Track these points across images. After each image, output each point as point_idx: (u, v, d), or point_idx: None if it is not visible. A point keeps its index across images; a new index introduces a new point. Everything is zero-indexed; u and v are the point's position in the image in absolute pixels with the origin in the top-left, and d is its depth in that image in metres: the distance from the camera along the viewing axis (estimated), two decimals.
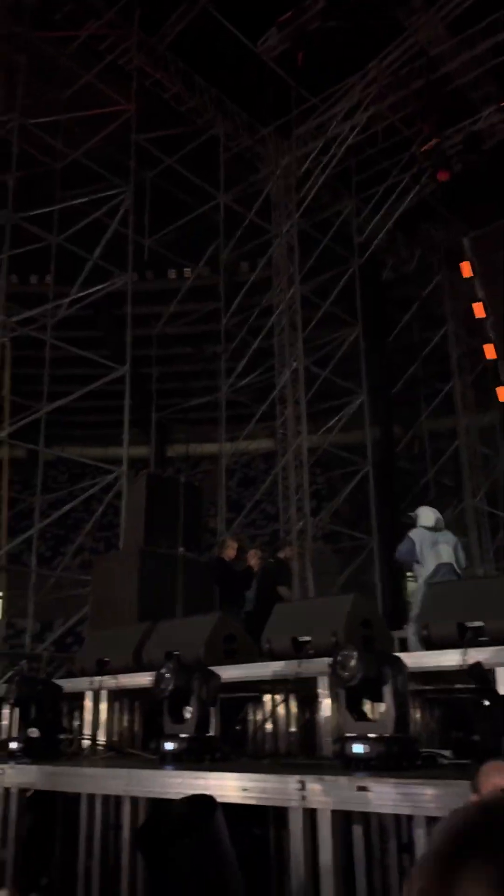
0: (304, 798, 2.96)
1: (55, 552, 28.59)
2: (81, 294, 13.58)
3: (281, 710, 4.60)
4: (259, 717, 5.02)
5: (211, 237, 16.84)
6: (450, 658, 3.68)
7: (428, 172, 14.90)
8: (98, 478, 14.44)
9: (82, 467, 34.15)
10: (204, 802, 2.25)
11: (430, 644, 3.86)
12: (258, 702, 5.30)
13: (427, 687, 4.73)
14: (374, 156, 16.32)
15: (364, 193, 17.26)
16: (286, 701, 4.55)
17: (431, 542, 8.03)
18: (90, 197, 12.96)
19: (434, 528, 8.21)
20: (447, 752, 3.47)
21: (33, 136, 12.53)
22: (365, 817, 3.07)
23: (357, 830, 3.09)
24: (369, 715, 3.37)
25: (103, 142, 14.45)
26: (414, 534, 8.18)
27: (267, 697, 4.97)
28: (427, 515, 8.32)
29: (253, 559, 8.79)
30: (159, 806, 2.63)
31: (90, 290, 13.49)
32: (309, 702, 4.45)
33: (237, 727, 5.61)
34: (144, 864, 2.09)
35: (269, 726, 4.57)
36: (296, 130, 16.33)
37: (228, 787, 3.26)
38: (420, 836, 2.75)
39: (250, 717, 5.36)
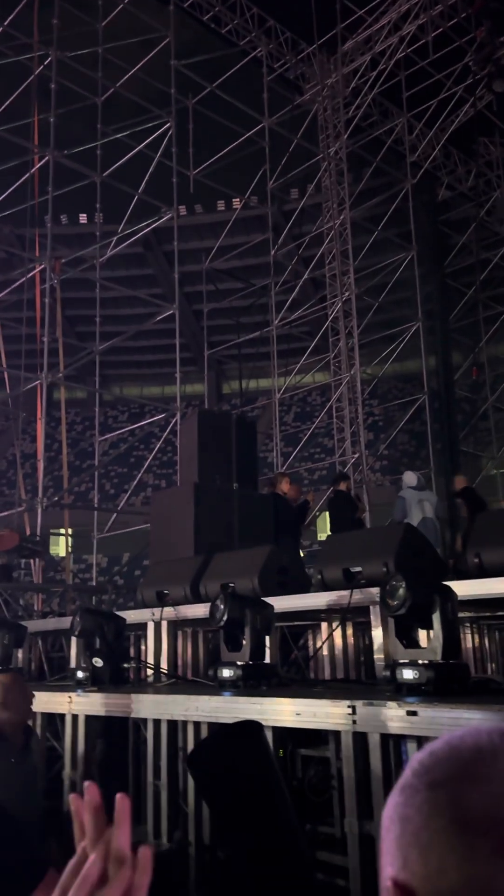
0: (354, 722, 3.03)
1: (118, 489, 29.31)
2: (128, 231, 13.45)
3: (337, 636, 4.68)
4: (317, 643, 5.12)
5: (257, 165, 16.42)
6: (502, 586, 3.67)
7: (483, 83, 14.10)
8: (156, 417, 14.57)
9: (141, 406, 34.68)
10: (250, 727, 2.32)
11: (482, 572, 3.84)
12: (316, 628, 5.41)
13: (483, 614, 4.75)
14: (426, 69, 15.54)
15: (416, 109, 16.49)
16: (342, 627, 4.62)
17: (418, 500, 9.50)
18: (132, 130, 12.70)
19: (418, 488, 9.71)
20: (500, 678, 3.48)
21: (71, 71, 12.27)
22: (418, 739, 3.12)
23: (412, 747, 3.15)
24: (421, 642, 3.40)
25: (143, 72, 14.10)
26: (404, 493, 9.66)
27: (324, 625, 5.06)
28: (411, 478, 9.85)
29: (304, 494, 9.14)
30: (211, 731, 2.74)
31: (136, 227, 13.34)
32: (363, 628, 4.52)
33: (298, 652, 5.76)
34: (196, 787, 2.19)
35: (325, 652, 4.65)
36: (342, 46, 15.61)
37: (282, 711, 3.36)
38: None
39: (310, 642, 5.48)
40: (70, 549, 14.62)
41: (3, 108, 12.30)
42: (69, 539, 12.88)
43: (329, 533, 9.51)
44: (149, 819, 4.41)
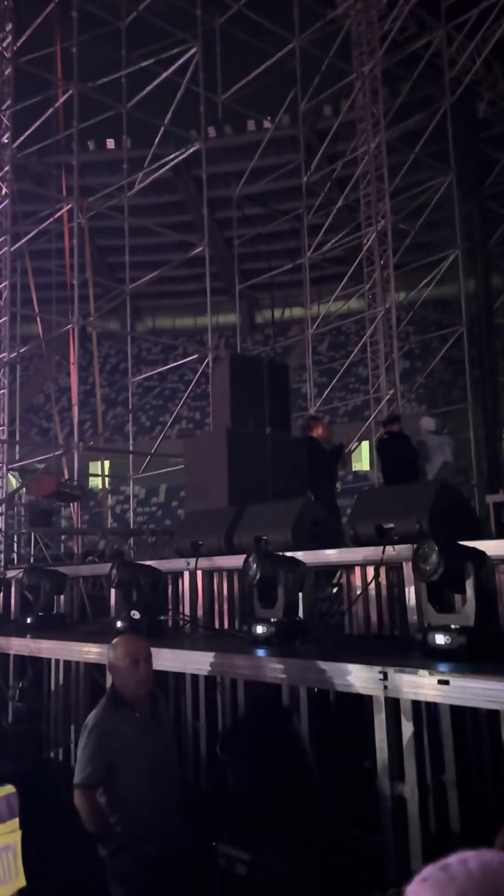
0: (385, 688, 3.07)
1: (154, 422, 29.51)
2: (155, 165, 13.08)
3: (371, 589, 4.71)
4: (351, 582, 5.07)
5: (288, 85, 15.74)
6: None
7: None
8: (188, 359, 14.44)
9: (174, 337, 34.49)
10: (280, 712, 2.37)
11: None
12: (351, 569, 5.38)
13: None
14: None
15: (455, 21, 15.51)
16: (375, 582, 4.63)
17: (438, 444, 9.77)
18: (157, 57, 12.21)
19: (437, 432, 10.00)
20: None
21: None
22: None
23: (445, 709, 3.18)
24: (454, 605, 3.40)
25: None
26: (424, 438, 9.85)
27: (357, 569, 5.04)
28: (430, 423, 10.13)
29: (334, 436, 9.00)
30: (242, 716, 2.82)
31: (163, 158, 12.96)
32: (397, 584, 4.53)
33: (334, 590, 5.79)
34: (229, 769, 2.25)
35: (359, 608, 4.68)
36: None
37: (316, 669, 3.41)
38: None
39: (343, 580, 5.44)
40: (108, 487, 14.84)
41: (25, 36, 11.88)
42: (107, 480, 13.03)
43: (372, 471, 9.37)
44: (189, 758, 4.61)
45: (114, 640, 3.55)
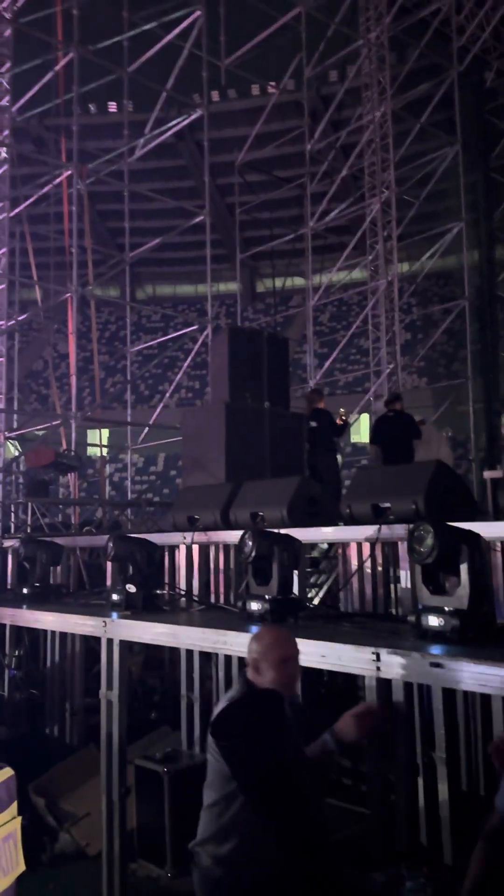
0: (378, 669, 3.09)
1: (153, 390, 29.43)
2: (157, 131, 12.86)
3: (367, 567, 4.73)
4: (346, 556, 5.07)
5: (293, 50, 15.43)
6: None
7: None
8: (188, 329, 14.31)
9: (174, 305, 34.21)
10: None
11: None
12: (345, 546, 5.39)
13: None
14: None
15: None
16: (372, 560, 4.65)
17: None
18: (160, 21, 11.94)
19: None
20: None
21: None
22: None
23: (437, 690, 3.22)
24: (448, 588, 3.41)
25: None
26: None
27: (353, 544, 5.04)
28: None
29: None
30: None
31: (165, 124, 12.75)
32: (392, 561, 4.55)
33: (328, 562, 5.80)
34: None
35: (354, 583, 4.70)
36: None
37: (308, 652, 3.44)
38: (497, 712, 2.84)
39: (339, 552, 5.44)
40: (107, 457, 14.83)
41: None
42: (104, 451, 12.99)
43: (377, 452, 9.22)
44: (183, 730, 4.68)
45: (259, 631, 3.16)
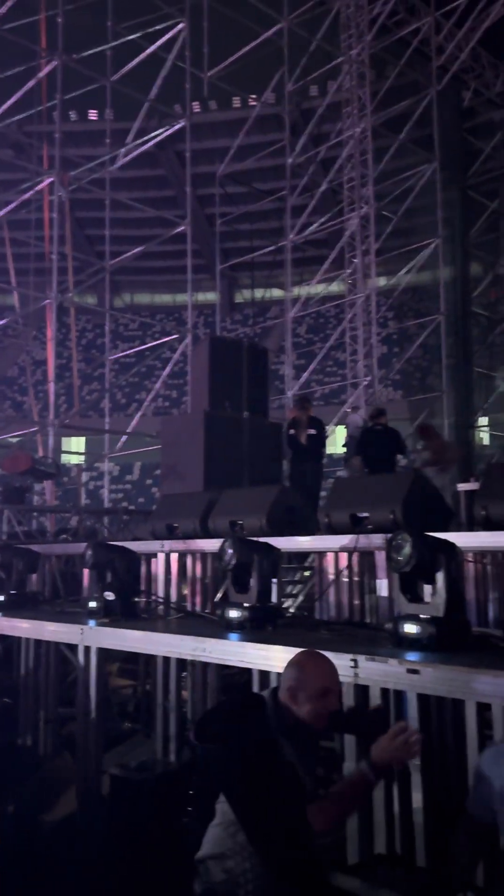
0: (356, 675, 3.13)
1: (130, 399, 29.34)
2: (139, 141, 12.89)
3: (344, 576, 4.77)
4: (323, 566, 5.09)
5: (275, 64, 15.59)
6: None
7: None
8: (166, 339, 14.31)
9: (152, 314, 34.16)
10: (253, 700, 2.41)
11: (489, 524, 3.89)
12: (323, 555, 5.40)
13: (485, 562, 4.80)
14: None
15: (445, 7, 15.45)
16: (349, 569, 4.70)
17: None
18: (144, 31, 12.01)
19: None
20: (499, 633, 3.56)
21: None
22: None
23: (412, 697, 3.26)
24: (424, 596, 3.46)
25: None
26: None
27: (330, 555, 5.07)
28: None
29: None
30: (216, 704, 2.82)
31: (147, 134, 12.79)
32: (370, 570, 4.59)
33: (305, 572, 5.81)
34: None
35: (331, 593, 4.74)
36: None
37: (286, 659, 3.47)
38: (470, 718, 2.88)
39: (315, 562, 5.45)
40: (83, 464, 14.76)
41: (10, 2, 11.62)
42: (80, 458, 12.93)
43: (360, 463, 9.33)
44: (158, 738, 4.67)
45: (300, 657, 2.76)
